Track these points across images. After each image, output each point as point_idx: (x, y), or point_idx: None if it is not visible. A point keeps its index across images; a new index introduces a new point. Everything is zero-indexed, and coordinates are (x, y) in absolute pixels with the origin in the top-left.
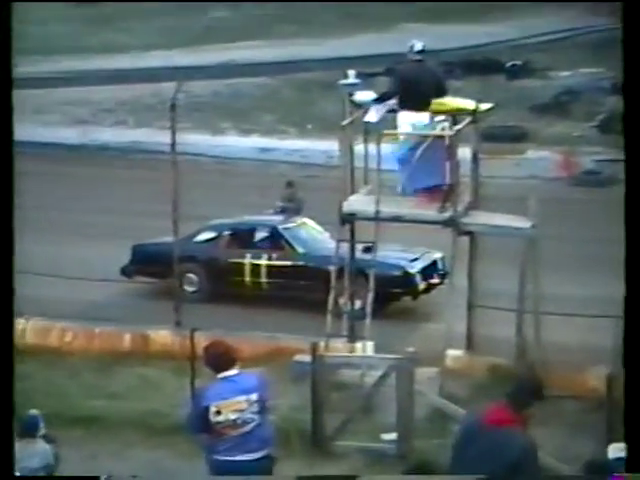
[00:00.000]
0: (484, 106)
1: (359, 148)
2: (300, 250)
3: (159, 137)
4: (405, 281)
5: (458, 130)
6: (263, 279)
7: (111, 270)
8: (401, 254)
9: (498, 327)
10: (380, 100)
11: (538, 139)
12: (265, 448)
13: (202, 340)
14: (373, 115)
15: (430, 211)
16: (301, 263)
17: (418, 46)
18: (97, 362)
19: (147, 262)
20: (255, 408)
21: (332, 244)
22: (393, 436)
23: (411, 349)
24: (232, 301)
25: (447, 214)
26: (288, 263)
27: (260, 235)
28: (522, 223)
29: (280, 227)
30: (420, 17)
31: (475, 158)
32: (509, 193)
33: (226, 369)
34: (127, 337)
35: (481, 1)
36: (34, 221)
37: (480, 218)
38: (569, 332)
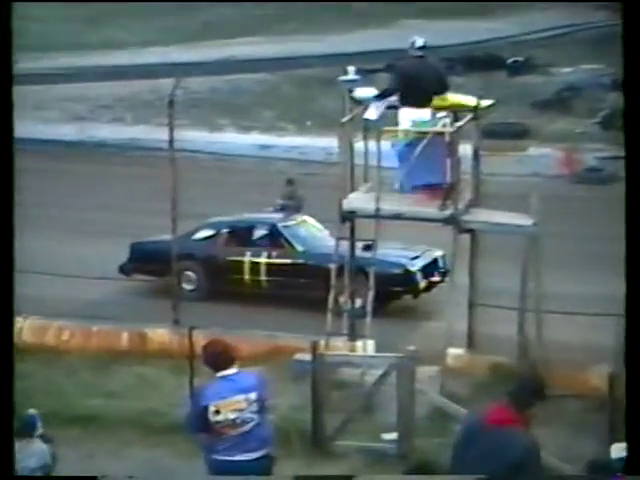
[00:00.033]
0: (485, 103)
1: (359, 145)
2: (300, 248)
3: (157, 134)
4: (406, 279)
5: (459, 127)
6: (262, 277)
7: (109, 268)
8: (402, 252)
9: (499, 325)
10: (381, 97)
11: (540, 136)
12: (264, 448)
13: (201, 339)
14: (372, 112)
15: (431, 209)
16: (301, 261)
17: (419, 42)
18: (95, 361)
19: (145, 260)
20: (254, 407)
21: (332, 242)
22: (394, 436)
23: (412, 348)
24: (231, 299)
25: (448, 212)
26: (288, 261)
27: (259, 233)
28: (523, 221)
29: (279, 225)
30: (420, 13)
31: (476, 155)
32: (510, 190)
33: (225, 368)
34: (125, 336)
35: (482, 0)
36: (31, 218)
37: (481, 216)
38: (571, 331)
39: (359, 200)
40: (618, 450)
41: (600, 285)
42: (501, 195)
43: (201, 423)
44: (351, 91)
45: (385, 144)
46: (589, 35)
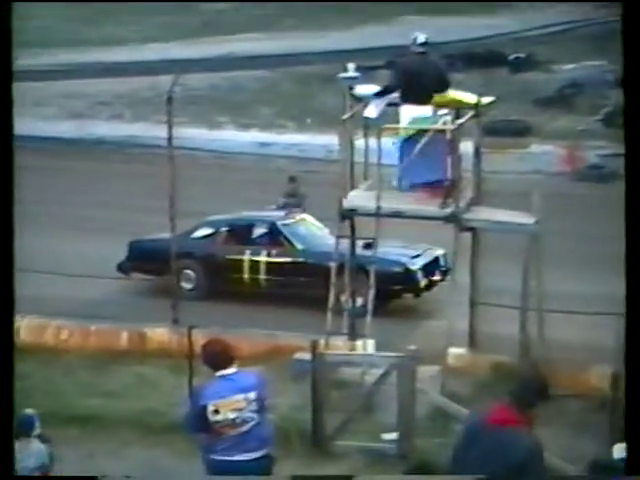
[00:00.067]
0: (486, 100)
1: (359, 143)
2: (299, 246)
3: (156, 131)
4: (406, 278)
5: (460, 124)
6: (262, 276)
7: (107, 267)
8: (402, 250)
9: (501, 325)
10: (382, 93)
11: (541, 133)
12: (264, 448)
13: (200, 338)
14: (372, 110)
15: (432, 207)
16: (301, 260)
17: (421, 38)
18: (93, 360)
19: (144, 259)
20: (254, 407)
21: (332, 240)
22: (394, 436)
23: (412, 347)
24: (230, 298)
25: (449, 210)
26: (287, 260)
27: (259, 231)
28: (525, 219)
29: (279, 223)
30: (421, 9)
31: (477, 153)
32: (512, 188)
33: (224, 367)
34: (124, 335)
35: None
36: (30, 216)
37: (482, 214)
38: (573, 330)
39: (359, 198)
40: (620, 450)
41: (602, 284)
42: (502, 193)
43: (200, 423)
44: (351, 88)
45: (386, 141)
46: (591, 31)
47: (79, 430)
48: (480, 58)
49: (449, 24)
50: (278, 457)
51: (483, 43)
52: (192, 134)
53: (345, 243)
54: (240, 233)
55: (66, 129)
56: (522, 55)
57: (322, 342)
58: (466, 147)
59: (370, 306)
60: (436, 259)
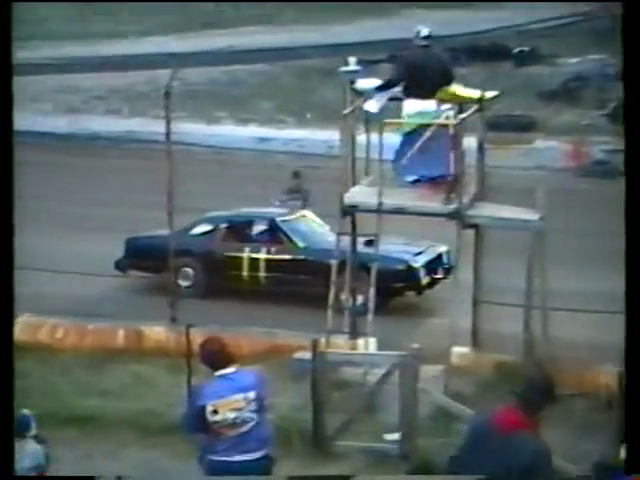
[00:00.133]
0: (490, 94)
1: (361, 138)
2: (300, 243)
3: (153, 126)
4: (408, 275)
5: (463, 119)
6: (261, 273)
7: (104, 264)
8: (404, 247)
9: (505, 323)
10: (385, 87)
11: (546, 128)
12: (264, 448)
13: (198, 336)
14: (373, 105)
15: (434, 203)
16: (301, 257)
17: (424, 32)
18: (89, 359)
19: (141, 256)
20: (253, 407)
21: (333, 237)
22: (396, 436)
23: (415, 346)
24: (229, 296)
25: (452, 206)
26: (287, 257)
27: (258, 228)
28: (529, 215)
29: (278, 220)
30: (422, 3)
31: (481, 148)
32: (516, 184)
33: (223, 367)
34: (121, 333)
35: None
36: (27, 213)
37: (486, 210)
38: (578, 328)
39: (361, 194)
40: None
41: (608, 282)
42: (506, 189)
43: (199, 423)
44: (352, 82)
45: (388, 136)
46: (596, 24)
47: (76, 431)
48: (484, 51)
49: (452, 17)
50: (278, 458)
51: (487, 36)
52: (190, 129)
53: (346, 240)
54: (239, 230)
55: (62, 124)
56: (526, 48)
57: (323, 341)
58: (469, 142)
59: (371, 304)
60: (439, 256)
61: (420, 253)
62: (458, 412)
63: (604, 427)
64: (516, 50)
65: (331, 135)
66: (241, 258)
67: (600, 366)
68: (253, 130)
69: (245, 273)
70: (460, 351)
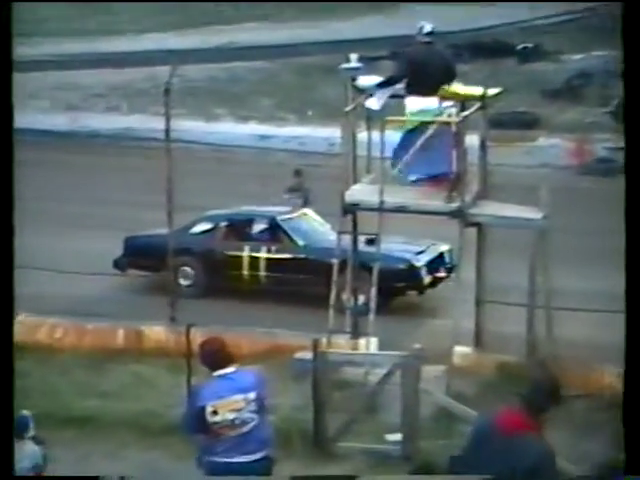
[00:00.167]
0: (493, 91)
1: (362, 135)
2: (300, 242)
3: (153, 123)
4: (410, 275)
5: (465, 116)
6: (262, 272)
7: (103, 263)
8: (406, 246)
9: (508, 323)
10: (387, 84)
11: (549, 126)
12: (264, 449)
13: (198, 336)
14: (374, 102)
15: (436, 201)
16: (302, 256)
17: (427, 28)
18: (89, 359)
19: (140, 255)
20: (253, 407)
21: (334, 236)
22: (398, 437)
23: (417, 346)
24: (230, 296)
25: (454, 204)
26: (288, 256)
27: (258, 227)
28: (533, 214)
29: (279, 218)
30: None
31: (483, 146)
32: (519, 182)
33: (223, 367)
34: (120, 333)
35: None
36: (25, 212)
37: (489, 209)
38: (582, 328)
39: (362, 192)
40: None
41: (612, 281)
42: (509, 187)
43: (198, 424)
44: (354, 79)
45: (389, 134)
46: (601, 20)
47: (75, 431)
48: (487, 48)
49: (454, 13)
50: (279, 459)
51: (490, 33)
52: (190, 126)
53: (347, 239)
54: (239, 228)
55: (61, 122)
56: (530, 45)
57: (324, 341)
58: (472, 140)
59: (373, 304)
60: (441, 255)
61: (422, 252)
62: (460, 413)
63: (608, 428)
64: (520, 47)
65: (332, 133)
66: (241, 257)
67: (604, 366)
68: (253, 128)
69: (245, 272)
70: (462, 351)
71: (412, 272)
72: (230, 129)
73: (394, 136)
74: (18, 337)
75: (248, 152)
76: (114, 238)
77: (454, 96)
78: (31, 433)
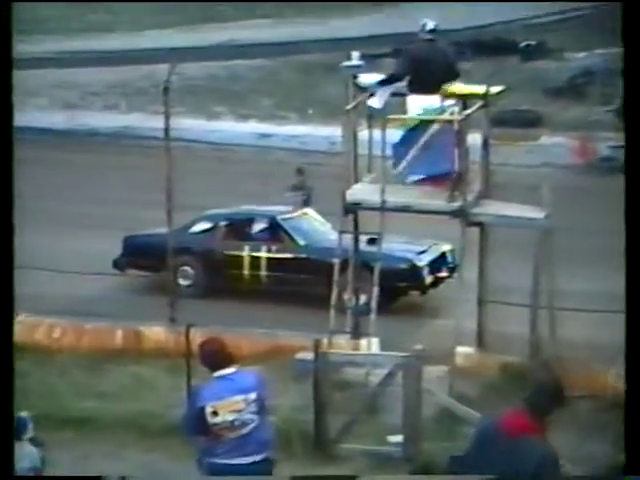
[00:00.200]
0: (495, 89)
1: (363, 134)
2: (301, 242)
3: (152, 122)
4: (412, 275)
5: (467, 115)
6: (262, 272)
7: (102, 263)
8: (408, 246)
9: (510, 323)
10: (388, 82)
11: (552, 124)
12: (264, 451)
13: (198, 337)
14: (376, 100)
15: (438, 200)
16: (302, 255)
17: (430, 25)
18: (87, 360)
19: (140, 254)
20: (253, 408)
21: (335, 235)
22: (399, 438)
23: (419, 346)
24: (230, 296)
25: (456, 204)
26: (289, 255)
27: (259, 226)
28: (535, 213)
29: (279, 217)
30: None
31: (486, 144)
32: (522, 181)
33: (223, 367)
34: (119, 334)
35: None
36: (24, 212)
37: (491, 208)
38: (586, 329)
39: (363, 191)
40: None
41: (616, 281)
42: (512, 186)
43: (198, 425)
44: (355, 77)
45: (391, 132)
46: (604, 18)
47: (73, 432)
48: (489, 46)
49: (456, 10)
50: (279, 460)
51: (492, 30)
52: (189, 125)
53: (348, 238)
54: (239, 228)
55: (59, 120)
56: (533, 42)
57: (325, 341)
58: (474, 139)
59: (374, 304)
60: (443, 255)
61: (424, 252)
62: (463, 414)
63: (612, 429)
64: (522, 44)
65: (333, 131)
66: (241, 257)
67: (608, 367)
68: (253, 126)
69: (246, 272)
70: (465, 352)
71: (414, 272)
72: (230, 128)
73: (396, 135)
74: (16, 337)
75: (248, 151)
76: (113, 237)
77: (457, 94)
78: (30, 435)
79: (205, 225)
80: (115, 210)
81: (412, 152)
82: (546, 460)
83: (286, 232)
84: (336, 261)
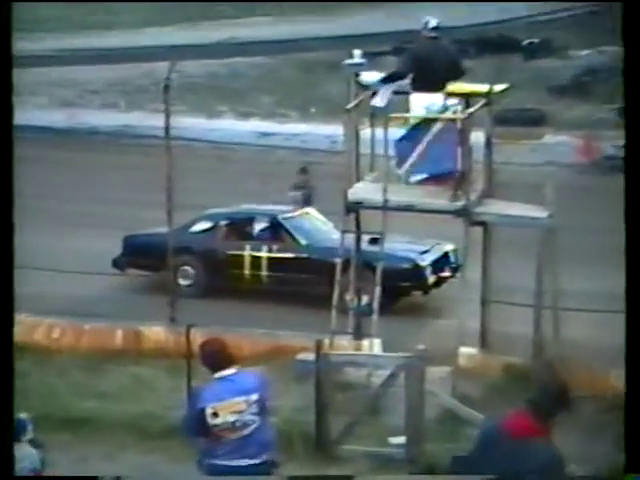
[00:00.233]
0: (498, 87)
1: (365, 132)
2: (302, 241)
3: (152, 120)
4: (415, 274)
5: (471, 113)
6: (263, 272)
7: (103, 262)
8: (410, 246)
9: (514, 324)
10: (390, 80)
11: (556, 123)
12: (265, 452)
13: (198, 337)
14: (379, 99)
15: (441, 200)
16: (304, 255)
17: (433, 23)
18: (87, 360)
19: (140, 254)
20: (255, 409)
21: (337, 235)
22: (402, 440)
23: (421, 347)
24: (230, 296)
25: (459, 203)
26: (290, 255)
27: (259, 225)
28: (539, 213)
29: (280, 217)
30: None
31: (489, 143)
32: (525, 180)
33: (223, 368)
34: (119, 334)
35: None
36: (24, 211)
37: (494, 207)
38: (590, 329)
39: (365, 190)
40: None
41: (621, 281)
42: (515, 185)
43: (198, 426)
44: (357, 75)
45: (393, 131)
46: (608, 15)
47: (72, 433)
48: (492, 43)
49: (459, 8)
50: (280, 461)
51: (495, 28)
52: (190, 123)
53: (350, 238)
54: (240, 227)
55: (59, 118)
56: (536, 40)
57: (326, 342)
58: (477, 137)
59: (376, 304)
60: (445, 255)
61: (426, 251)
62: (466, 415)
63: (614, 429)
64: (526, 42)
65: (335, 130)
66: (242, 256)
67: (611, 368)
68: (254, 125)
69: (247, 272)
70: (468, 352)
71: (416, 272)
72: (231, 126)
73: (398, 133)
74: (15, 338)
75: (249, 150)
76: (113, 237)
77: (460, 92)
78: (29, 436)
79: (205, 224)
80: (115, 209)
81: (414, 155)
82: (550, 462)
83: (287, 231)
84: (338, 261)
